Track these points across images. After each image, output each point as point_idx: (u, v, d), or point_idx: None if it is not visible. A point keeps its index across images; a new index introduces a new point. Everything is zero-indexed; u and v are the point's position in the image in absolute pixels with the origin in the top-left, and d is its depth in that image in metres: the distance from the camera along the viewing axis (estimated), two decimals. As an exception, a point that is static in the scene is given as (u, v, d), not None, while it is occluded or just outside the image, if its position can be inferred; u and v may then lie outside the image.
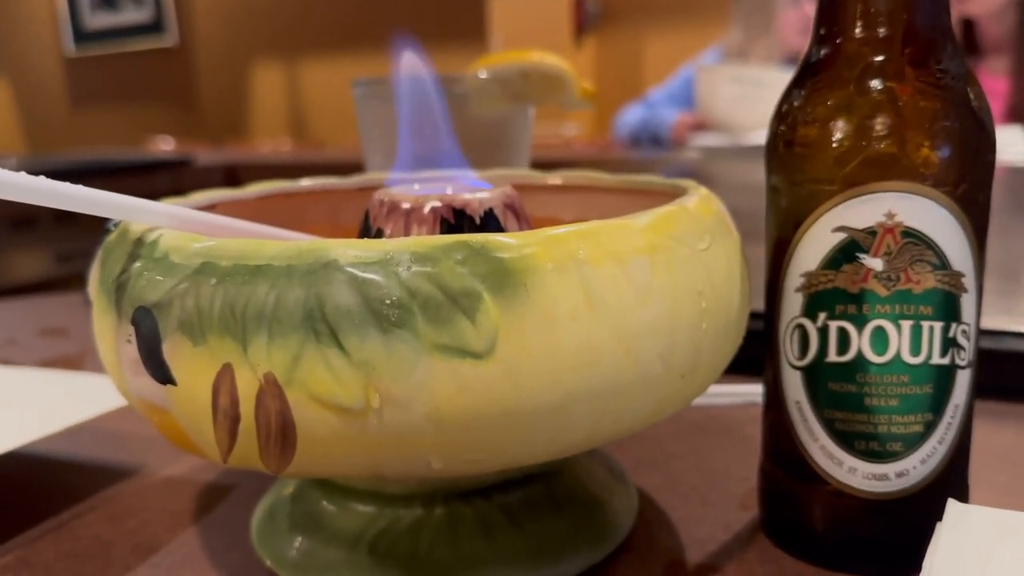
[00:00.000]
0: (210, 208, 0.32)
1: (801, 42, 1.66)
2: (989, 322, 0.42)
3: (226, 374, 0.21)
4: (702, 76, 1.93)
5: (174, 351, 0.21)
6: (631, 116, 2.05)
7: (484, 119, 0.44)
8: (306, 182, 0.36)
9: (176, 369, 0.22)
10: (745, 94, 1.92)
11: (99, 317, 0.24)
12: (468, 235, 0.21)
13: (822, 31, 0.26)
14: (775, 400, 0.28)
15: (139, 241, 0.24)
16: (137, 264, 0.23)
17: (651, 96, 2.10)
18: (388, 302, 0.20)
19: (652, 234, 0.23)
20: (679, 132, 1.95)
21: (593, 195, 0.36)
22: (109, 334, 0.24)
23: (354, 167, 0.51)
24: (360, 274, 0.20)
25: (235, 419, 0.21)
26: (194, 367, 0.21)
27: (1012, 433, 0.38)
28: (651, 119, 2.01)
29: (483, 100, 0.43)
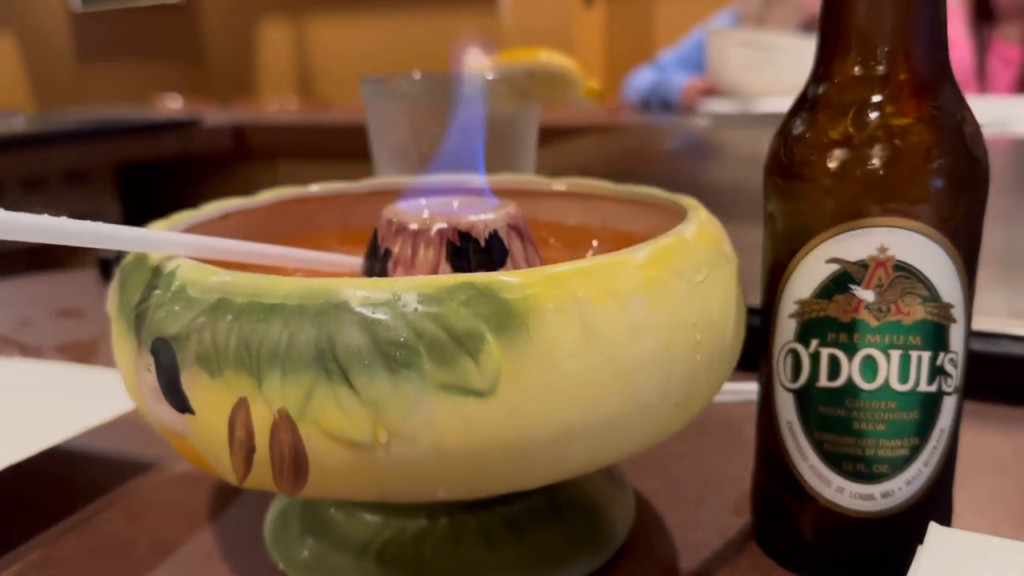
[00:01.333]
0: (223, 218, 0.33)
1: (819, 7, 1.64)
2: (987, 315, 0.43)
3: (242, 407, 0.22)
4: (713, 40, 1.91)
5: (192, 382, 0.23)
6: (641, 80, 2.04)
7: (491, 118, 0.44)
8: (316, 187, 0.37)
9: (194, 399, 0.23)
10: (756, 59, 1.90)
11: (118, 340, 0.25)
12: (473, 276, 0.22)
13: (821, 66, 0.26)
14: (768, 418, 0.29)
15: (156, 271, 0.25)
16: (155, 294, 0.24)
17: (662, 58, 2.09)
18: (396, 343, 0.21)
19: (650, 269, 0.24)
20: (689, 97, 1.93)
21: (596, 203, 0.36)
22: (129, 359, 0.25)
23: (359, 129, 0.51)
24: (369, 315, 0.21)
25: (251, 449, 0.22)
26: (211, 399, 0.22)
27: (1000, 436, 0.39)
28: (661, 83, 2.00)
29: (490, 100, 0.43)
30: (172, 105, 2.73)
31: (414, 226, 0.28)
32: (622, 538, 0.30)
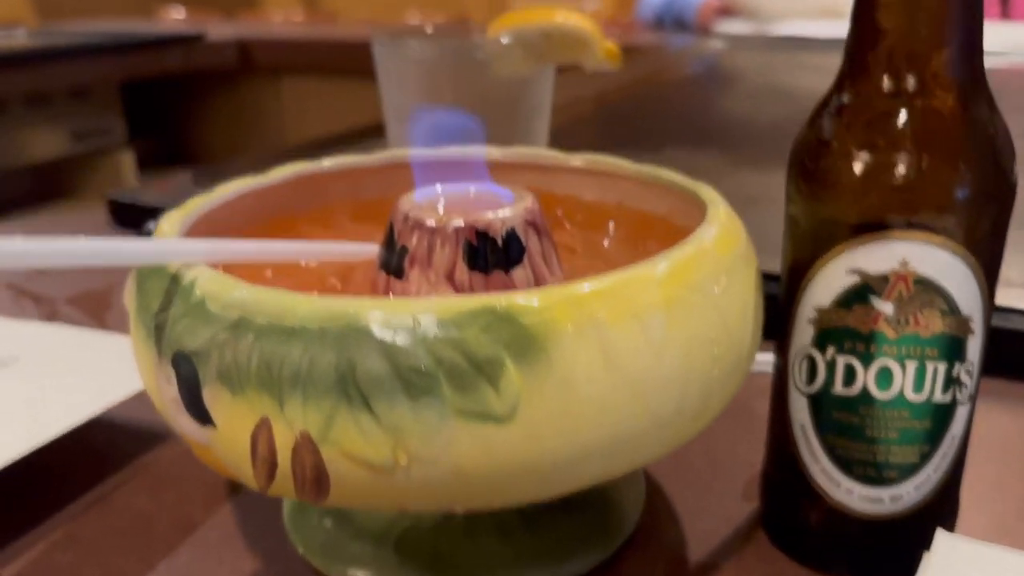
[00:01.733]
0: (238, 199, 0.33)
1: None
2: (1002, 285, 0.42)
3: (264, 426, 0.22)
4: (731, -43, 1.85)
5: (214, 398, 0.23)
6: (655, -5, 1.98)
7: (506, 80, 0.43)
8: (328, 162, 0.36)
9: (216, 414, 0.23)
10: (775, -22, 1.84)
11: (138, 344, 0.26)
12: (492, 299, 0.22)
13: (849, 71, 0.25)
14: (780, 417, 0.29)
15: (175, 279, 0.24)
16: (175, 305, 0.24)
17: (677, -27, 2.02)
18: (416, 370, 0.21)
19: (669, 286, 0.24)
20: (705, 16, 1.88)
21: (613, 180, 0.36)
22: (150, 366, 0.25)
23: (365, 46, 0.49)
24: (389, 341, 0.21)
25: (273, 465, 0.22)
26: (233, 415, 0.22)
27: (1007, 415, 0.39)
28: (675, 0, 1.94)
29: (505, 62, 0.42)
30: (175, 16, 2.67)
31: (431, 223, 0.28)
32: (632, 526, 0.31)
